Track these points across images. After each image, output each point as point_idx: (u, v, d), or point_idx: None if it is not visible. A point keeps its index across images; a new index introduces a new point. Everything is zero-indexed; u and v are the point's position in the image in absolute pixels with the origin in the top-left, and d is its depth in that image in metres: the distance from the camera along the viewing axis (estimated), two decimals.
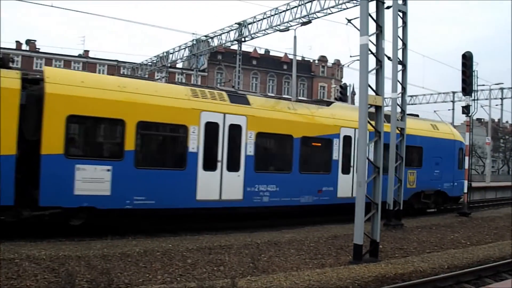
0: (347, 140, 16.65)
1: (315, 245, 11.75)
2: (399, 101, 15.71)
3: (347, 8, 22.38)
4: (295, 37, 29.52)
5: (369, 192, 10.43)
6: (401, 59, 15.57)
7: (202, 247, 10.64)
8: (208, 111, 13.27)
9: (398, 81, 15.45)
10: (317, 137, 15.94)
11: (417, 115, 22.30)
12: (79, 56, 57.57)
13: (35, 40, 56.02)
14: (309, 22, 25.10)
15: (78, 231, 11.60)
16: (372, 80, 10.82)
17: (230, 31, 30.56)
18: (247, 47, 35.97)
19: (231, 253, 10.28)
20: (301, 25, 26.15)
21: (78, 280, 7.56)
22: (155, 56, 40.82)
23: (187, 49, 35.92)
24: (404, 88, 15.81)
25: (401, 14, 15.20)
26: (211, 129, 13.30)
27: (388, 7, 13.26)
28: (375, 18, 11.07)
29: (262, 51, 60.67)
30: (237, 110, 13.94)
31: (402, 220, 15.61)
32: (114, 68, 54.99)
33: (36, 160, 10.57)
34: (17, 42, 55.52)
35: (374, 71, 11.05)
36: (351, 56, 14.84)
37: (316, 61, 65.68)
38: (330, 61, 67.28)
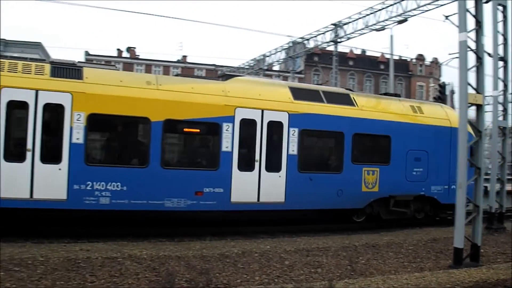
0: (248, 125, 12.61)
1: (413, 248, 11.40)
2: (500, 99, 14.93)
3: (444, 5, 21.51)
4: (391, 36, 29.07)
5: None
6: (502, 55, 14.74)
7: (299, 249, 10.67)
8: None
9: (500, 78, 14.73)
10: (193, 120, 12.09)
11: (398, 95, 18.15)
12: (178, 61, 60.67)
13: (134, 48, 60.01)
14: (405, 20, 24.45)
15: None
16: (472, 78, 10.40)
17: (325, 32, 30.45)
18: (343, 48, 35.69)
19: (329, 255, 10.22)
20: (397, 24, 25.53)
21: (178, 279, 7.75)
22: (252, 59, 41.79)
23: (283, 51, 36.35)
24: (506, 86, 14.99)
25: (501, 8, 14.40)
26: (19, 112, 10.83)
27: (487, 1, 12.66)
28: (473, 13, 10.62)
29: (358, 52, 59.84)
30: (58, 86, 10.89)
31: (504, 224, 14.71)
32: (212, 72, 56.99)
33: None
34: (118, 50, 59.85)
35: (474, 68, 10.60)
36: (449, 54, 14.29)
37: (414, 60, 63.61)
38: (428, 59, 64.98)
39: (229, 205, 12.32)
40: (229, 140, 12.28)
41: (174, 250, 9.86)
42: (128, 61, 58.48)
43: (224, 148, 12.24)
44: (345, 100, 14.41)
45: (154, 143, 11.53)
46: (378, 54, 59.93)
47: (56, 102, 10.80)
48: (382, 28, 26.07)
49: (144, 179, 11.42)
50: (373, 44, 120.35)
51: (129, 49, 60.04)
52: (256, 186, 12.61)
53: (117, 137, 12.31)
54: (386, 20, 25.20)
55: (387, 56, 43.07)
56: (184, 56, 61.55)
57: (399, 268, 9.48)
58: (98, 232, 11.55)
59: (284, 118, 12.96)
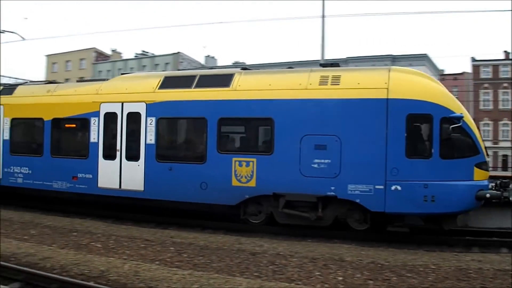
0: (111, 117, 13.72)
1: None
2: None
3: None
4: None
5: None
6: None
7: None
8: None
9: None
10: (70, 117, 14.44)
11: (337, 64, 12.86)
12: None
13: None
14: None
15: None
16: None
17: None
18: None
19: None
20: None
21: None
22: None
23: None
24: None
25: None
26: None
27: None
28: None
29: None
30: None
31: None
32: None
33: None
34: (505, 52, 58.02)
35: None
36: None
37: None
38: None
39: (97, 190, 13.90)
40: (96, 132, 13.97)
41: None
42: None
43: (92, 140, 14.04)
44: (224, 81, 12.73)
45: (46, 137, 14.83)
46: None
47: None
48: None
49: (41, 165, 14.80)
50: None
51: None
52: (118, 174, 13.56)
53: (28, 134, 16.20)
54: None
55: None
56: None
57: None
58: None
59: (141, 108, 13.27)
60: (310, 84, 11.72)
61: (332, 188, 11.21)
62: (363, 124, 11.06)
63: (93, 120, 13.99)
